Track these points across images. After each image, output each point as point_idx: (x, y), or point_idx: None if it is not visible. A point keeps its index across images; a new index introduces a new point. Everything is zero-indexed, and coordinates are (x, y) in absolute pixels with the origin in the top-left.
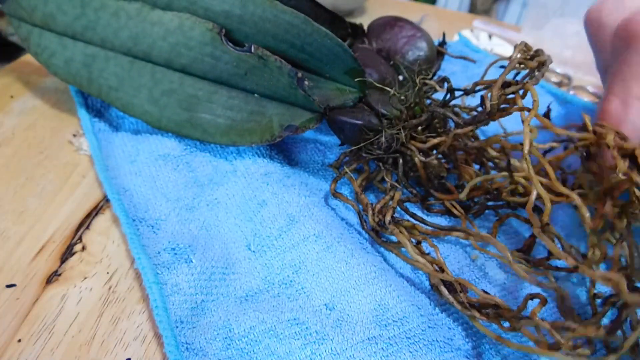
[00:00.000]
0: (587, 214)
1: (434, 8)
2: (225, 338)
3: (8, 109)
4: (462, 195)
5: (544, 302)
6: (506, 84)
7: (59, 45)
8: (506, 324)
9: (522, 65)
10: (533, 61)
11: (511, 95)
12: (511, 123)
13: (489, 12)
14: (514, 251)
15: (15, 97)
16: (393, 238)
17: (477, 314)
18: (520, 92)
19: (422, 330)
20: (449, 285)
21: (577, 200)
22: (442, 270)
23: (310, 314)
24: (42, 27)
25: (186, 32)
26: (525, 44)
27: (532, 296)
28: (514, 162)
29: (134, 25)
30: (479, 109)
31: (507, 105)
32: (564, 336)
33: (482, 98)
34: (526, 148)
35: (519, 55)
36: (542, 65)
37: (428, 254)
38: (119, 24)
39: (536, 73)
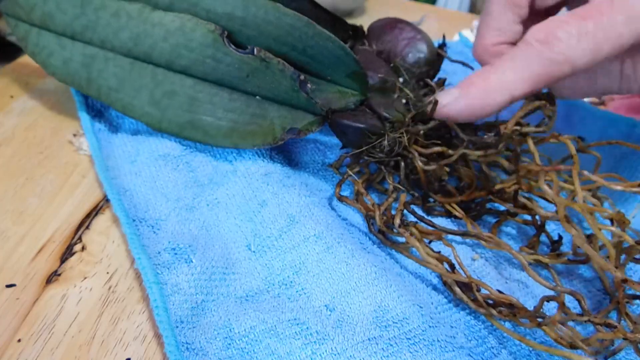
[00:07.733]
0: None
1: (434, 8)
2: (226, 338)
3: (8, 109)
4: (463, 196)
5: (562, 305)
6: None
7: (57, 45)
8: (524, 321)
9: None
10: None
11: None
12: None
13: None
14: (523, 247)
15: (15, 97)
16: (398, 239)
17: (494, 312)
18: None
19: (423, 331)
20: (462, 284)
21: (603, 237)
22: (453, 269)
23: (311, 314)
24: (40, 27)
25: (187, 34)
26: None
27: (547, 298)
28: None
29: (135, 26)
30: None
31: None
32: (588, 338)
33: (498, 131)
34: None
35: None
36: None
37: (439, 252)
38: (119, 24)
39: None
